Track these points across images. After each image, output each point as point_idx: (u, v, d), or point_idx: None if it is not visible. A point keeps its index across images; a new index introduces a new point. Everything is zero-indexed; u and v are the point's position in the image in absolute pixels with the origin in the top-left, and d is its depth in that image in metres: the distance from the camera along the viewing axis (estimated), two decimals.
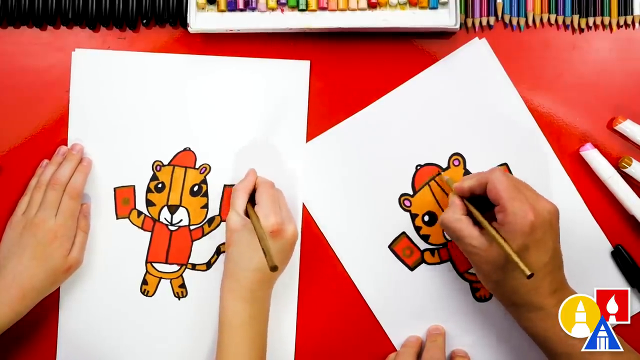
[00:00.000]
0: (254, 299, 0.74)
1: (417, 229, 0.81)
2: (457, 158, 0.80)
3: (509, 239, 0.66)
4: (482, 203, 0.72)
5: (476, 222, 0.70)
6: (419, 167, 0.81)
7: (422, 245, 0.81)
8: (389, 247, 0.81)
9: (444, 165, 0.81)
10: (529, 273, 0.62)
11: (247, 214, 0.76)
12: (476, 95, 0.81)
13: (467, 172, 0.80)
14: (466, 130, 0.81)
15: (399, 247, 0.81)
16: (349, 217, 0.82)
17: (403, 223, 0.81)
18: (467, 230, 0.70)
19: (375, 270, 0.81)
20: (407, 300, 0.81)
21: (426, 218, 0.81)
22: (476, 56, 0.81)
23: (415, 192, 0.81)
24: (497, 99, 0.81)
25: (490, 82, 0.81)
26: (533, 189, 0.70)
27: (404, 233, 0.81)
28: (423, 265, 0.81)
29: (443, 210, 0.78)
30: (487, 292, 0.80)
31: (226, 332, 0.74)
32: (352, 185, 0.81)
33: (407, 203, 0.81)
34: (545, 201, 0.69)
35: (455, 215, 0.71)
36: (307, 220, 0.82)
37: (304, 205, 0.82)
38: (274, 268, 0.65)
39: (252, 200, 0.77)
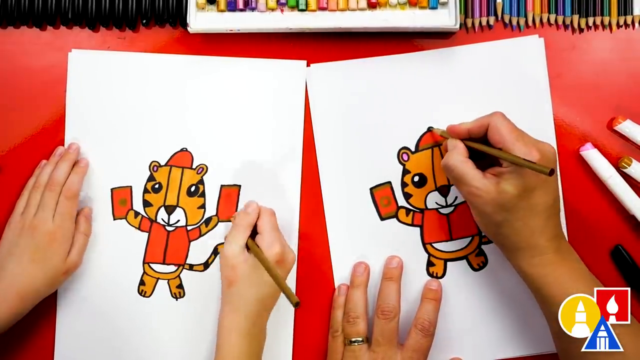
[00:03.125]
0: (256, 333, 0.76)
1: (404, 185, 0.82)
2: None
3: (515, 179, 0.68)
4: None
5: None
6: (430, 129, 0.82)
7: (401, 201, 0.82)
8: (370, 189, 0.83)
9: None
10: (548, 170, 0.64)
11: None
12: (510, 87, 0.82)
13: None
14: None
15: (379, 193, 0.83)
16: (346, 148, 0.83)
17: (393, 174, 0.83)
18: (472, 173, 0.71)
19: (347, 206, 0.83)
20: (365, 244, 0.83)
21: (416, 178, 0.82)
22: (527, 51, 0.83)
23: (416, 150, 0.83)
24: (528, 98, 0.82)
25: (529, 79, 0.82)
26: (529, 135, 0.72)
27: (389, 182, 0.83)
28: (394, 220, 0.83)
29: (435, 178, 0.81)
30: (442, 272, 0.82)
31: None
32: (358, 121, 0.83)
33: (405, 157, 0.82)
34: (545, 143, 0.71)
35: (460, 157, 0.73)
36: (304, 224, 0.83)
37: (300, 208, 0.83)
38: (297, 304, 0.67)
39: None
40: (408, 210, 0.83)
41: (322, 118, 0.83)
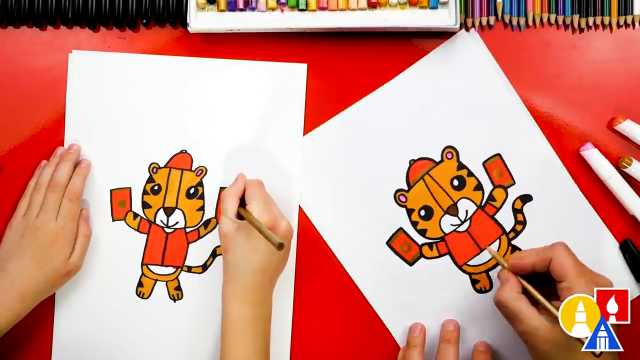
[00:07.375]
0: (257, 301, 0.77)
1: (414, 224, 0.84)
2: (450, 151, 0.84)
3: None
4: (530, 279, 0.75)
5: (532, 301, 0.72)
6: (412, 162, 0.85)
7: (420, 240, 0.84)
8: (387, 243, 0.85)
9: (437, 159, 0.84)
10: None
11: (238, 217, 0.79)
12: (467, 87, 0.84)
13: (460, 165, 0.84)
14: (458, 122, 0.84)
15: (397, 242, 0.84)
16: (345, 215, 0.85)
17: (400, 218, 0.85)
18: (526, 310, 0.71)
19: (374, 267, 0.85)
20: (407, 295, 0.85)
21: (422, 212, 0.84)
22: (467, 48, 0.84)
23: (410, 187, 0.84)
24: (488, 91, 0.84)
25: (481, 73, 0.84)
26: (589, 268, 0.73)
27: (401, 229, 0.84)
28: (422, 259, 0.84)
29: (439, 204, 0.83)
30: (488, 284, 0.83)
31: (231, 336, 0.76)
32: (347, 182, 0.85)
33: (402, 198, 0.84)
34: (604, 279, 0.73)
35: (512, 294, 0.72)
36: (303, 219, 0.85)
37: (300, 206, 0.85)
38: (280, 246, 0.69)
39: (241, 203, 0.80)
40: (430, 245, 0.85)
41: (313, 190, 0.86)
